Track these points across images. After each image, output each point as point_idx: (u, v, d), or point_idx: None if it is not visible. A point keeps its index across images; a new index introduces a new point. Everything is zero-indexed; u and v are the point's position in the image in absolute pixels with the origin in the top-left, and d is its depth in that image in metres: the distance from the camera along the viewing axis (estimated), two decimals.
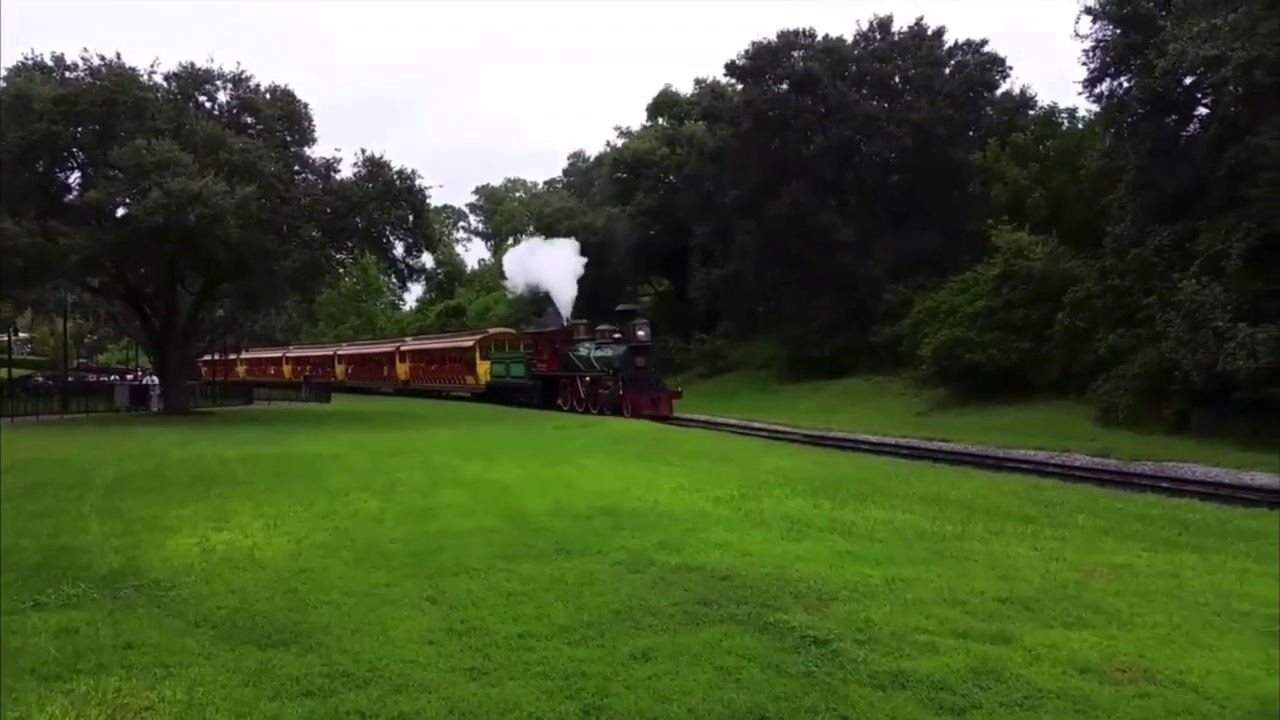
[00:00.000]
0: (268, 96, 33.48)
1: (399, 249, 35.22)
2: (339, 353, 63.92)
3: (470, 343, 45.79)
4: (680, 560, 7.59)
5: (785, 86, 42.74)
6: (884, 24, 43.45)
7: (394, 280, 51.13)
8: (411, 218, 33.56)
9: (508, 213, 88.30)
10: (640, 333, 31.80)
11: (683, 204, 48.63)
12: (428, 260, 47.93)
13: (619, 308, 34.67)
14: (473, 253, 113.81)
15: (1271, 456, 19.58)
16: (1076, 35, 27.45)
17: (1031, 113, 40.97)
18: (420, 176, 33.24)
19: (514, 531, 8.99)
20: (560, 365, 36.12)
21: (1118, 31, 26.05)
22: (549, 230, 52.71)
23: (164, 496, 11.59)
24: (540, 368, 37.88)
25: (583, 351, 34.68)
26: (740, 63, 43.73)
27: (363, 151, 33.53)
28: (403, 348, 54.79)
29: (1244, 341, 20.45)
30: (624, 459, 15.92)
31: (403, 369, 53.36)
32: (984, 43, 42.29)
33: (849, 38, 43.71)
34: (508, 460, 15.51)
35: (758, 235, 42.01)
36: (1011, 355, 29.32)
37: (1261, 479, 17.60)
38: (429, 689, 4.84)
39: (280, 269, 31.38)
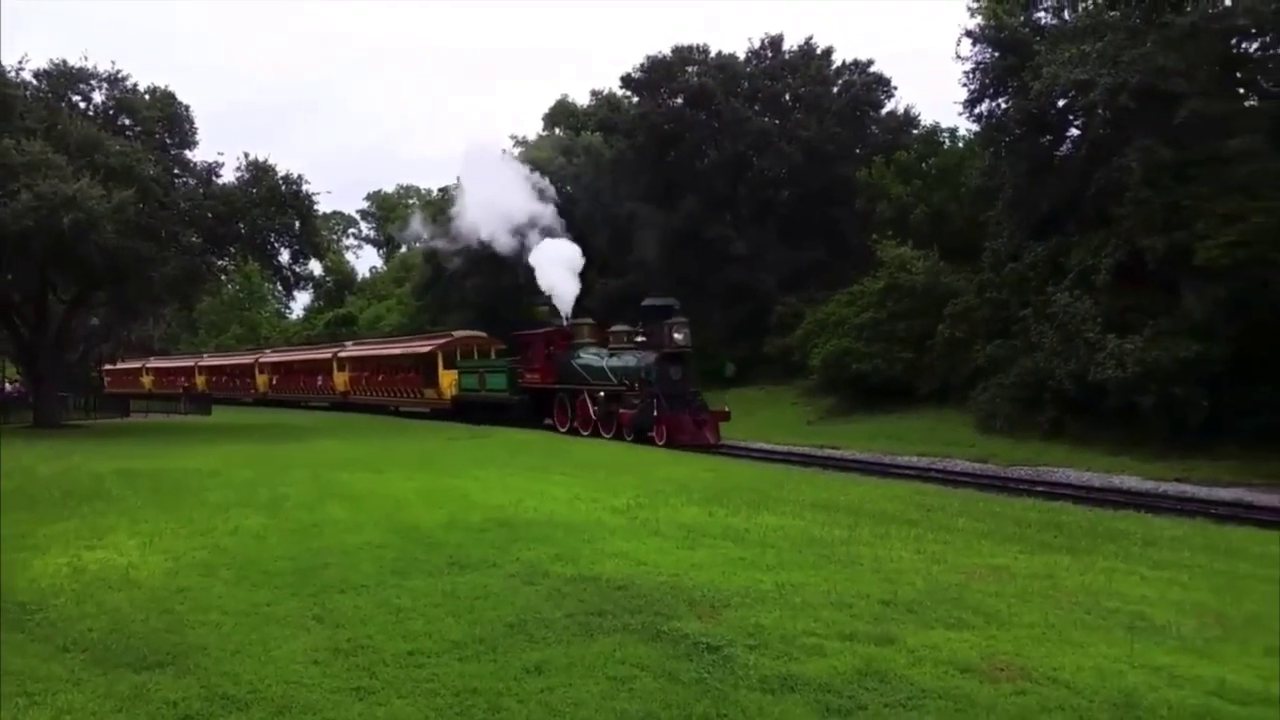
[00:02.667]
0: (146, 98, 32.16)
1: (284, 256, 34.18)
2: (261, 360, 55.23)
3: (430, 348, 37.44)
4: (576, 571, 7.56)
5: (680, 101, 43.32)
6: (775, 42, 44.45)
7: (279, 288, 49.62)
8: (298, 224, 32.64)
9: (400, 219, 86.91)
10: (677, 335, 24.56)
11: (580, 215, 48.72)
12: (315, 268, 46.20)
13: (646, 303, 26.66)
14: (364, 260, 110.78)
15: (1137, 461, 20.71)
16: (958, 57, 28.62)
17: (915, 132, 42.47)
18: (307, 181, 32.42)
19: (405, 546, 8.80)
20: (558, 376, 28.53)
21: (996, 55, 27.25)
22: (444, 236, 51.70)
23: (31, 514, 10.96)
24: (530, 379, 29.95)
25: (589, 359, 27.57)
26: (636, 76, 44.11)
27: (246, 156, 32.53)
28: (341, 354, 46.65)
29: (1113, 352, 21.58)
30: (519, 470, 15.78)
31: (341, 379, 45.36)
32: (870, 63, 43.71)
33: (741, 55, 44.59)
34: (398, 473, 15.20)
35: (654, 247, 42.36)
36: (896, 365, 30.31)
37: (1129, 482, 18.59)
38: (313, 710, 4.70)
39: (158, 276, 30.12)
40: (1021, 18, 27.31)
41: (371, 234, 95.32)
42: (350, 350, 46.72)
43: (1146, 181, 21.50)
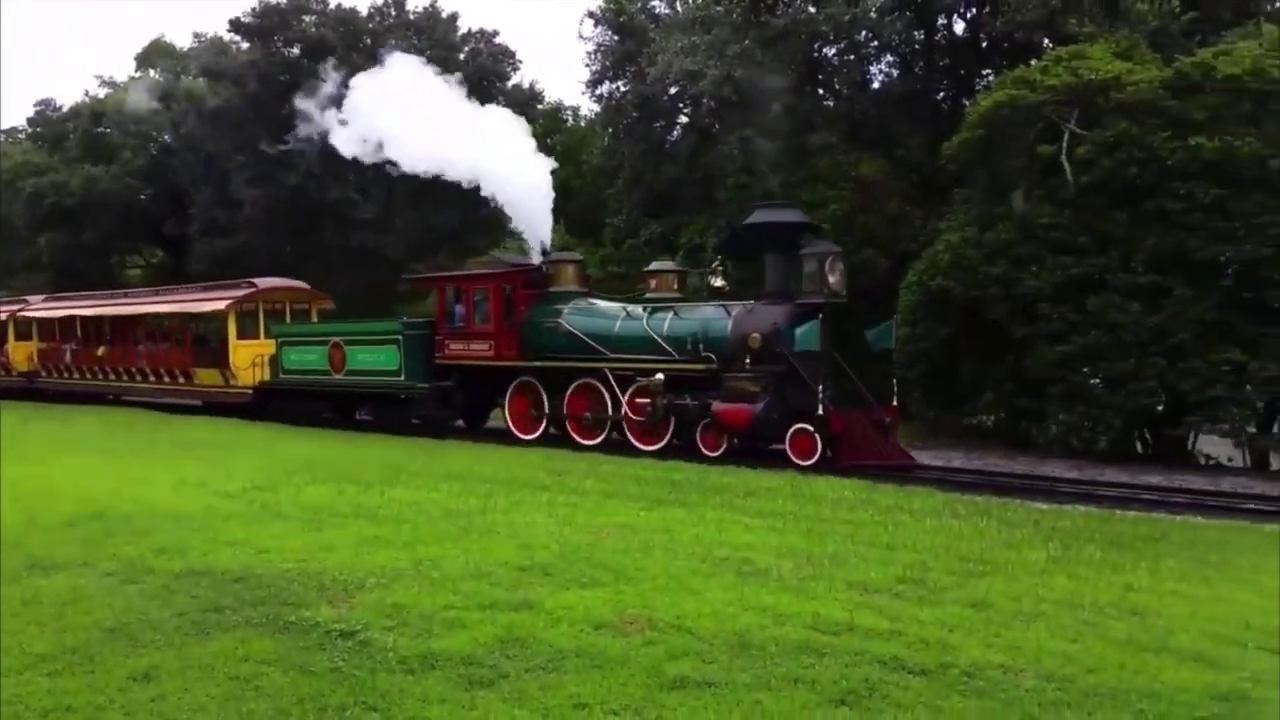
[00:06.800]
0: None
1: None
2: None
3: (221, 303, 23.41)
4: (185, 565, 6.89)
5: (297, 51, 40.79)
6: (398, 1, 43.18)
7: None
8: None
9: None
10: (832, 278, 14.50)
11: (180, 167, 44.33)
12: None
13: (756, 218, 15.54)
14: None
15: None
16: (581, 38, 29.55)
17: (540, 107, 43.39)
18: None
19: None
20: (527, 347, 17.32)
21: (616, 39, 28.47)
22: (10, 188, 44.55)
23: None
24: (466, 352, 18.13)
25: (605, 319, 16.76)
26: (246, 20, 40.82)
27: None
28: (26, 312, 29.70)
29: None
30: (116, 455, 14.08)
31: (22, 352, 29.84)
32: (495, 34, 43.85)
33: (364, 10, 42.84)
34: None
35: (268, 206, 39.69)
36: None
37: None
38: None
39: None
40: (639, 4, 28.75)
41: None
42: (43, 308, 29.68)
43: (744, 168, 23.70)
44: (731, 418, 14.39)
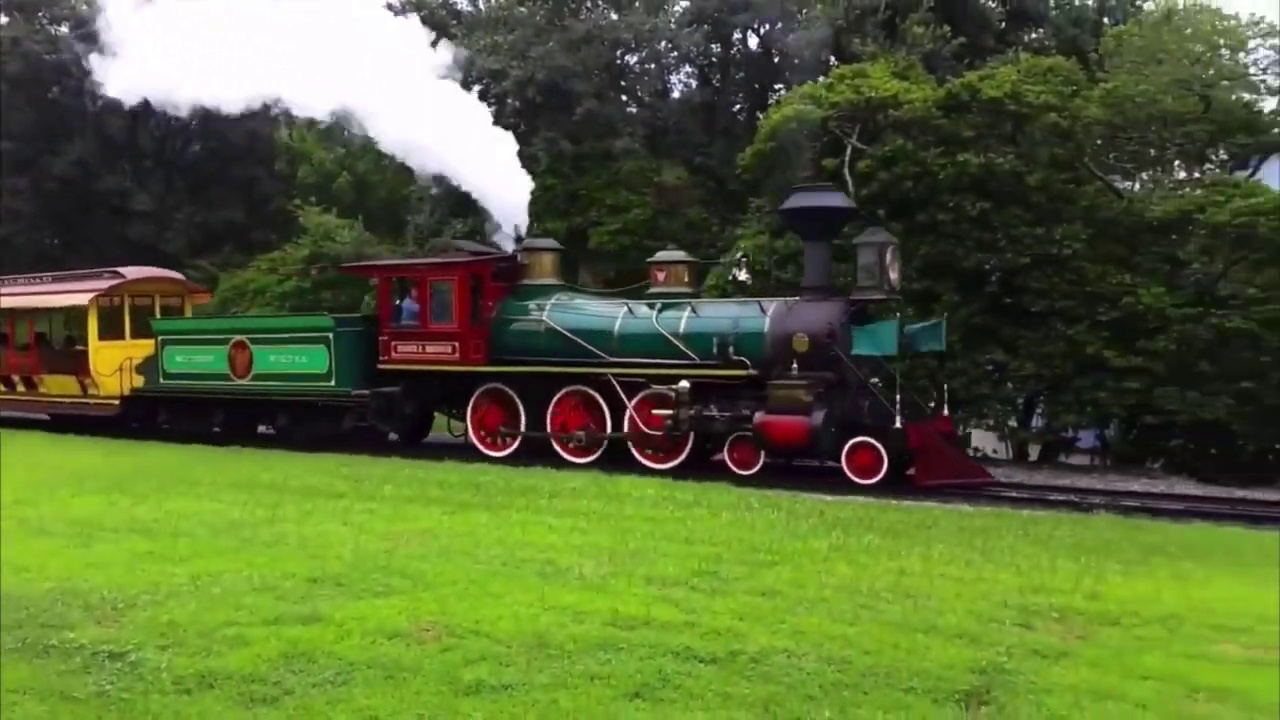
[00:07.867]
0: None
1: None
2: None
3: (82, 296, 19.43)
4: None
5: (65, 29, 37.62)
6: None
7: None
8: None
9: None
10: (893, 274, 13.10)
11: None
12: None
13: (794, 202, 13.54)
14: None
15: None
16: None
17: None
18: None
19: None
20: (497, 348, 14.92)
21: None
22: None
23: None
24: (419, 355, 15.26)
25: (602, 317, 14.41)
26: None
27: None
28: None
29: None
30: None
31: None
32: None
33: None
34: None
35: (33, 197, 36.45)
36: None
37: None
38: None
39: None
40: None
41: None
42: None
43: (550, 170, 23.77)
44: (785, 432, 12.25)
